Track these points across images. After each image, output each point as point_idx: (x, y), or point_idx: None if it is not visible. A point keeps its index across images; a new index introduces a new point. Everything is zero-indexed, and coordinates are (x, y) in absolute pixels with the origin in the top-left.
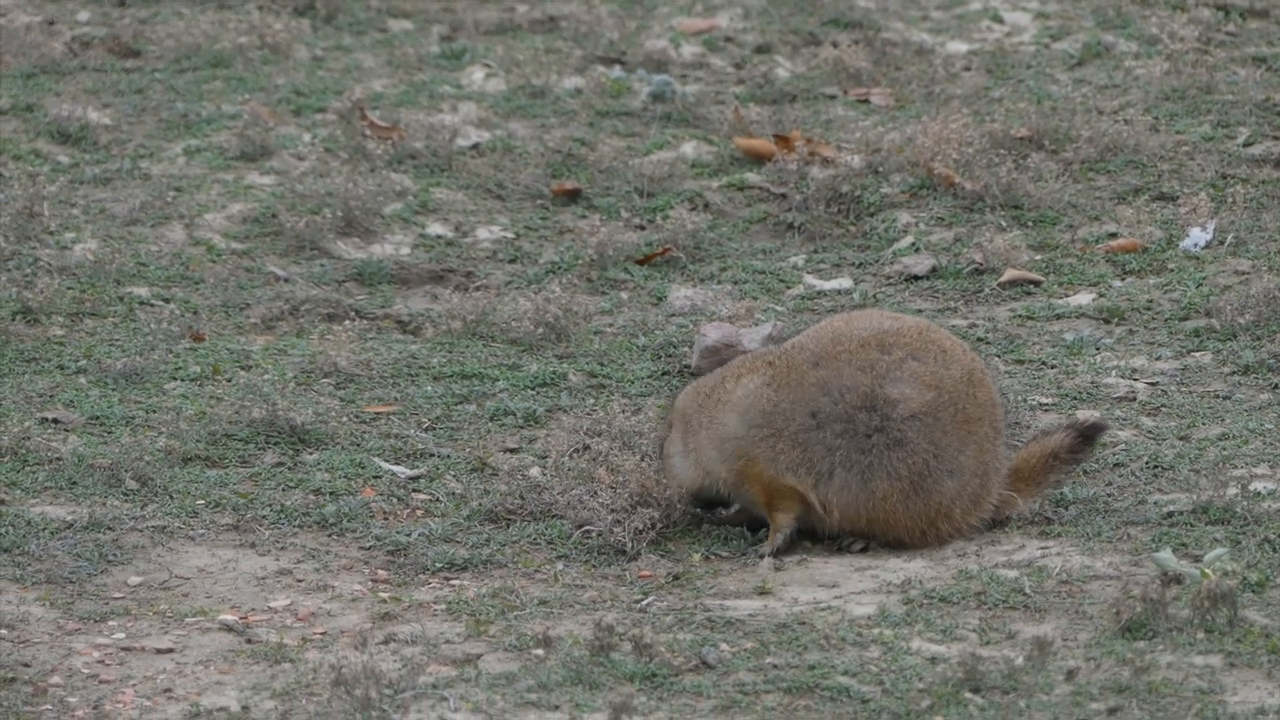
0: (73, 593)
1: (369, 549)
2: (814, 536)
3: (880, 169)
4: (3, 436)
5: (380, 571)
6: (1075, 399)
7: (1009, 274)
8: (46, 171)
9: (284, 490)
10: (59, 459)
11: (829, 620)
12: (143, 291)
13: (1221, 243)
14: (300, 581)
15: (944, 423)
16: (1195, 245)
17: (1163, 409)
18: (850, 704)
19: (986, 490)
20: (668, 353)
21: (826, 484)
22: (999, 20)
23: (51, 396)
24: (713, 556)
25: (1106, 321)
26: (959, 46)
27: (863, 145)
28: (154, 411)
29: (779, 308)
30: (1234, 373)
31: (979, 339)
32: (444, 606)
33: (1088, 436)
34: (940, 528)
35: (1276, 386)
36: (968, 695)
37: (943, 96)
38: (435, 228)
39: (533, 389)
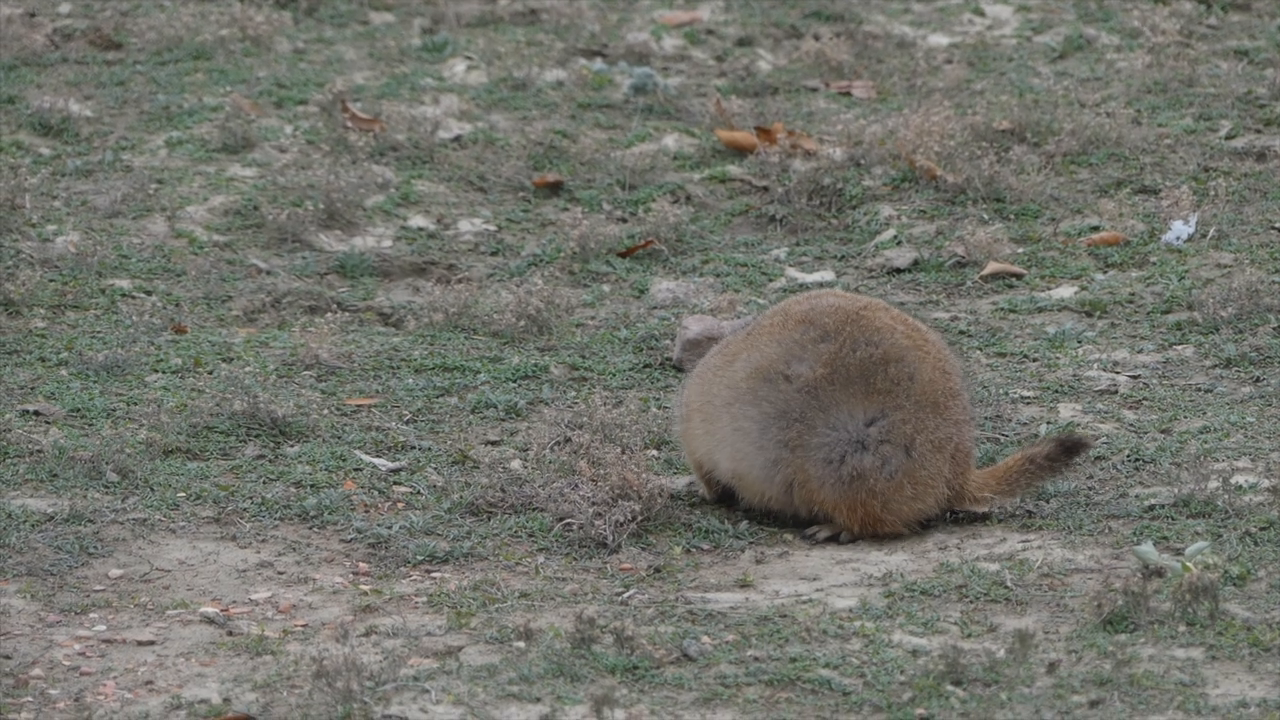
0: (53, 585)
1: (350, 542)
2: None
3: (862, 162)
4: None
5: (361, 564)
6: (1057, 392)
7: (991, 267)
8: (28, 163)
9: (265, 483)
10: (40, 451)
11: (810, 613)
12: (124, 284)
13: (1203, 236)
14: (281, 574)
15: (837, 396)
16: (1177, 238)
17: (1144, 402)
18: (832, 696)
19: (925, 469)
20: (650, 345)
21: (730, 459)
22: (980, 13)
23: (33, 389)
24: (694, 549)
25: (1088, 314)
26: (941, 39)
27: (844, 138)
28: (135, 404)
29: (761, 300)
30: (1216, 366)
31: (961, 332)
32: (425, 599)
33: (1069, 450)
34: (870, 506)
35: (1258, 380)
36: (949, 688)
37: (924, 89)
38: (417, 220)
39: (514, 382)
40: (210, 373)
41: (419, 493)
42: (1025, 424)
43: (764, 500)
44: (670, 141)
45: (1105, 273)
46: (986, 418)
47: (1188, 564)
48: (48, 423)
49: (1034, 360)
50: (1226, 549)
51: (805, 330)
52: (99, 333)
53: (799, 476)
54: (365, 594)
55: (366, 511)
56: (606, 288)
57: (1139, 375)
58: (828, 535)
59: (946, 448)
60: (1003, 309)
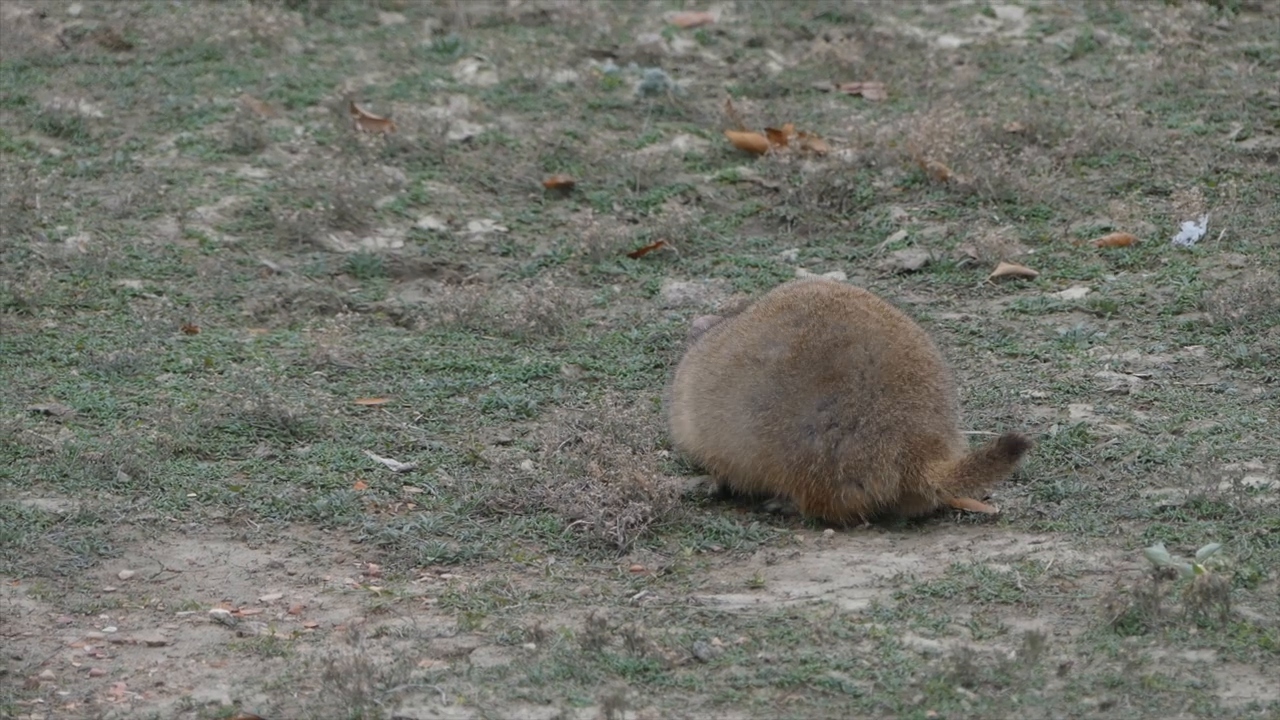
0: (64, 586)
1: (360, 542)
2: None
3: (873, 163)
4: None
5: (372, 565)
6: (1068, 393)
7: (1002, 268)
8: (38, 164)
9: (275, 483)
10: (50, 451)
11: (821, 615)
12: (135, 284)
13: (1214, 237)
14: (292, 575)
15: (799, 381)
16: (1188, 239)
17: (1155, 403)
18: (842, 698)
19: (867, 451)
20: (660, 346)
21: (715, 444)
22: (991, 14)
23: (43, 389)
24: (704, 550)
25: (1099, 315)
26: (951, 41)
27: (855, 139)
28: (146, 404)
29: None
30: (1227, 367)
31: (972, 333)
32: (435, 600)
33: (1011, 450)
34: (815, 489)
35: (1269, 380)
36: (960, 690)
37: (935, 90)
38: (427, 221)
39: (525, 382)
40: (221, 373)
41: (430, 493)
42: (1036, 424)
43: (754, 485)
44: (681, 143)
45: (1116, 274)
46: (997, 418)
47: (1199, 566)
48: (58, 423)
49: (1045, 361)
50: (1238, 551)
51: (783, 315)
52: (110, 333)
53: (763, 461)
54: (376, 595)
55: (377, 512)
56: (617, 288)
57: (1150, 376)
58: (775, 507)
59: (897, 430)
60: (1014, 310)
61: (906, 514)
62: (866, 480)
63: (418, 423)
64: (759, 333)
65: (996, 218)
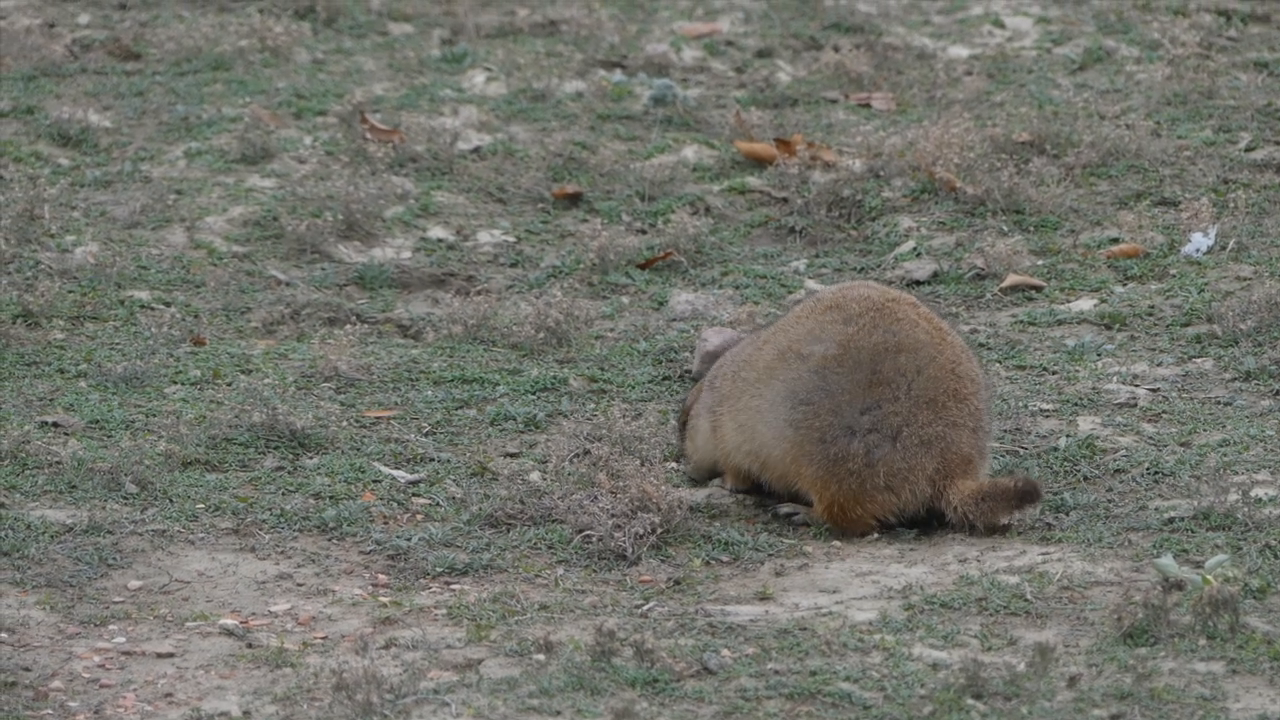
0: (73, 596)
1: (369, 553)
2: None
3: (881, 173)
4: (3, 440)
5: (380, 576)
6: (1076, 405)
7: (1010, 279)
8: (47, 174)
9: (284, 494)
10: (59, 463)
11: (830, 626)
12: (143, 295)
13: (1223, 248)
14: (300, 586)
15: (843, 381)
16: (1197, 250)
17: (1164, 415)
18: (852, 710)
19: (905, 462)
20: (669, 357)
21: (752, 440)
22: (1000, 25)
23: (51, 400)
24: (713, 561)
25: (1108, 327)
26: (960, 51)
27: (864, 149)
28: (154, 415)
29: (780, 312)
30: (1235, 379)
31: (980, 344)
32: (444, 611)
33: (1023, 498)
34: (844, 490)
35: (1278, 393)
36: (969, 701)
37: (944, 101)
38: (436, 231)
39: (533, 394)
40: (229, 384)
41: (438, 504)
42: (1045, 436)
43: (782, 480)
44: (690, 153)
45: (1125, 285)
46: (1005, 430)
47: (1208, 577)
48: (67, 434)
49: (1053, 373)
50: (1247, 562)
51: (831, 314)
52: (118, 344)
53: (793, 453)
54: (385, 606)
55: (386, 523)
56: (626, 299)
57: (1158, 388)
58: (788, 511)
59: (936, 445)
60: (1022, 321)
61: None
62: (902, 491)
63: (426, 434)
64: (804, 329)
65: (1005, 228)
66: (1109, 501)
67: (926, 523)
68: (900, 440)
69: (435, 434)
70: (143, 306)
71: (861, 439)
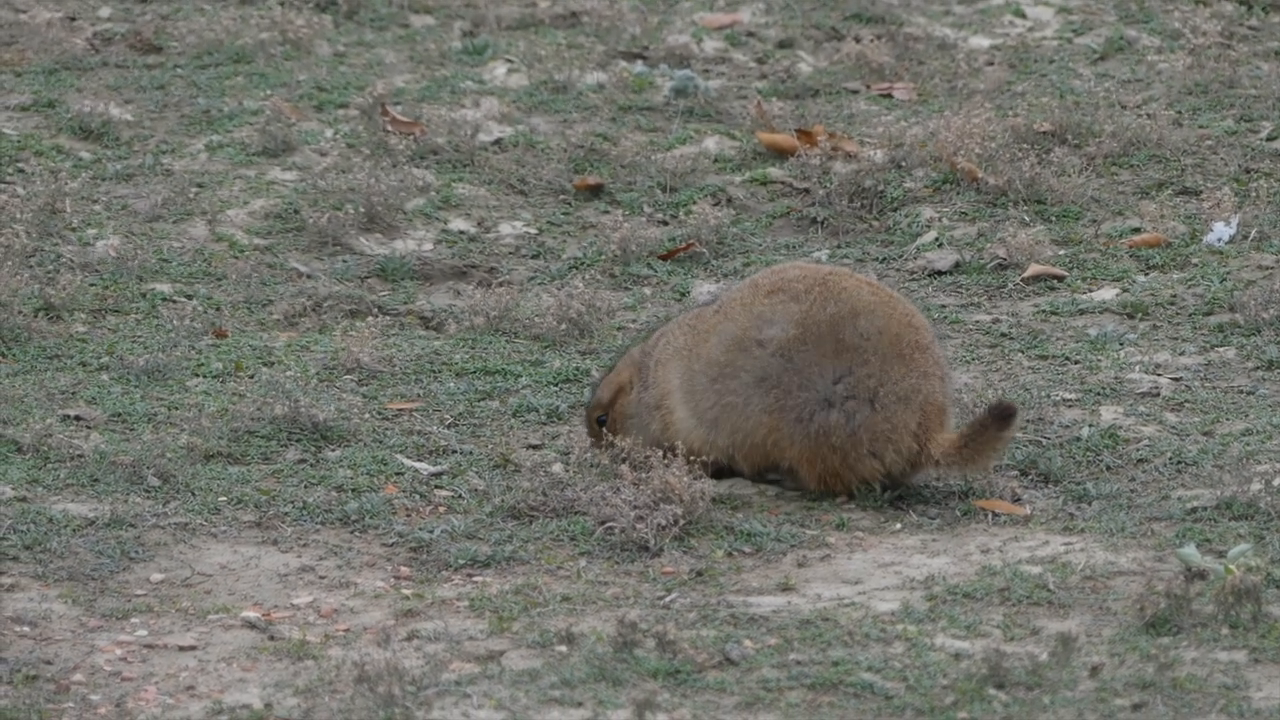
0: (95, 590)
1: (391, 546)
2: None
3: (903, 164)
4: (25, 433)
5: (403, 568)
6: (1099, 394)
7: (1032, 269)
8: (68, 168)
9: (306, 487)
10: (81, 456)
11: (852, 616)
12: (165, 288)
13: (1245, 237)
14: (323, 578)
15: (809, 356)
16: (1219, 240)
17: (1186, 404)
18: (874, 700)
19: (888, 422)
20: None
21: (727, 435)
22: (1021, 15)
23: (73, 393)
24: (736, 552)
25: (1130, 317)
26: (981, 41)
27: (885, 140)
28: (176, 408)
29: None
30: (1258, 368)
31: (1002, 334)
32: (467, 603)
33: (1000, 418)
34: (830, 461)
35: None
36: (992, 691)
37: (965, 91)
38: (458, 223)
39: (556, 385)
40: (251, 377)
41: (460, 496)
42: (1067, 426)
43: (761, 461)
44: (711, 144)
45: (1147, 274)
46: (1028, 420)
47: (1230, 567)
48: (89, 427)
49: (1076, 362)
50: (1269, 551)
51: (776, 297)
52: (140, 337)
53: (772, 435)
54: (407, 598)
55: (408, 515)
56: (648, 290)
57: (1181, 377)
58: (775, 479)
59: (914, 399)
60: (1044, 311)
61: (899, 485)
62: (887, 453)
63: (448, 426)
64: (752, 316)
65: (1027, 218)
66: (1132, 491)
67: (950, 512)
68: (878, 401)
69: (457, 426)
70: (164, 299)
71: (840, 408)
